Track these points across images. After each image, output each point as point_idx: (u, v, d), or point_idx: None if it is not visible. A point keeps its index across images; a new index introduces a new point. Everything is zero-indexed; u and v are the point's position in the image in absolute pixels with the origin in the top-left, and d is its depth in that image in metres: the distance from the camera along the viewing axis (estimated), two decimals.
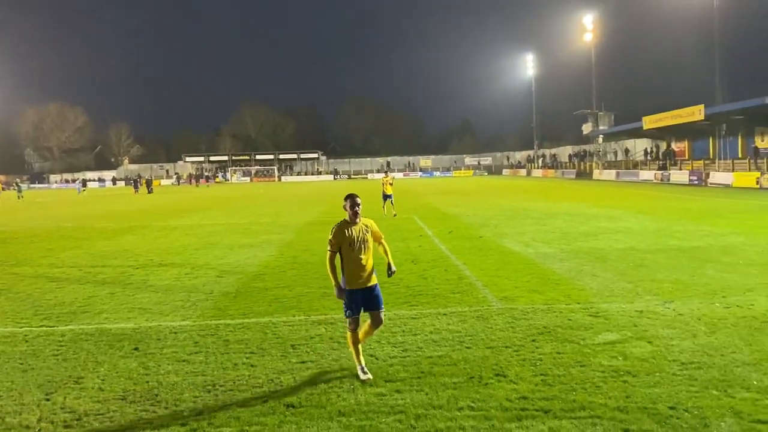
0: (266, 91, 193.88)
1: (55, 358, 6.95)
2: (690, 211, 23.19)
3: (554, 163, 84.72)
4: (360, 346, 6.15)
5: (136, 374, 6.32)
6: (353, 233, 6.08)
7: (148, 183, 62.65)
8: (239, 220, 24.67)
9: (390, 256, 6.44)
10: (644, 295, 9.15)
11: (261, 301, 9.49)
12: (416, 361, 6.40)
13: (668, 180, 49.26)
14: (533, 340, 7.02)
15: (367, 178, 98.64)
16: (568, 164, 78.62)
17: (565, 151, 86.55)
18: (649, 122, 52.08)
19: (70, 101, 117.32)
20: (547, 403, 5.22)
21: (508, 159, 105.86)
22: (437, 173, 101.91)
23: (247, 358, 6.72)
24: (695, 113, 44.62)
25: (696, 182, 45.15)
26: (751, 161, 42.78)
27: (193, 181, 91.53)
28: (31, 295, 10.51)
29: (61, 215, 31.04)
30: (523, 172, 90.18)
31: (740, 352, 6.40)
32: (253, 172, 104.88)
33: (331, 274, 6.11)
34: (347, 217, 6.19)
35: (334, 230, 6.11)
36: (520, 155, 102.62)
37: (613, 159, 69.31)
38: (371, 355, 6.65)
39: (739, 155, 46.69)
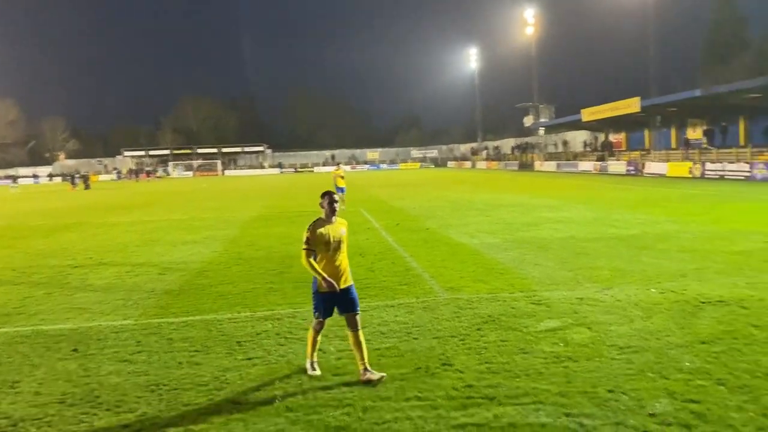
0: (208, 83, 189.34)
1: None
2: (627, 200, 24.01)
3: (497, 155, 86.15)
4: (317, 345, 6.04)
5: (76, 376, 6.13)
6: (329, 232, 5.84)
7: (85, 179, 60.39)
8: (181, 216, 24.15)
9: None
10: (584, 283, 9.43)
11: (205, 299, 9.33)
12: None
13: (606, 170, 50.79)
14: (478, 329, 7.15)
15: (313, 171, 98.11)
16: (510, 156, 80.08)
17: (507, 143, 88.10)
18: (587, 114, 53.53)
19: (0, 94, 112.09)
20: (492, 390, 5.33)
21: (452, 151, 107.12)
22: (384, 166, 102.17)
23: (191, 356, 6.60)
24: (631, 105, 46.10)
25: (633, 172, 46.72)
26: (684, 152, 44.56)
27: (133, 176, 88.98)
28: None
29: None
30: (468, 164, 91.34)
31: (674, 335, 6.68)
32: (195, 166, 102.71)
33: (313, 270, 5.77)
34: (323, 215, 5.95)
35: (309, 228, 5.83)
36: (464, 147, 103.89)
37: (554, 151, 70.97)
38: (319, 350, 6.62)
39: (673, 146, 48.56)
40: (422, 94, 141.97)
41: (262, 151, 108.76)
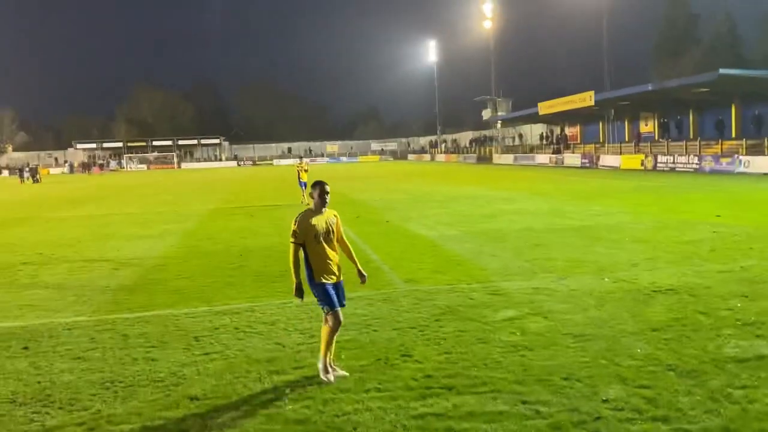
0: (163, 74, 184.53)
1: None
2: (582, 192, 24.52)
3: (456, 148, 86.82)
4: (333, 347, 5.59)
5: (27, 375, 5.96)
6: (319, 223, 5.56)
7: (33, 172, 58.37)
8: (136, 210, 23.66)
9: (357, 260, 5.99)
10: (540, 273, 9.61)
11: (161, 294, 9.17)
12: None
13: (562, 163, 51.76)
14: (437, 320, 7.22)
15: (272, 164, 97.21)
16: (469, 149, 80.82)
17: (465, 136, 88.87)
18: (543, 108, 54.40)
19: None
20: (450, 380, 5.39)
21: (408, 145, 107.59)
22: (344, 159, 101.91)
23: (147, 352, 6.49)
24: (586, 99, 47.03)
25: (587, 165, 47.70)
26: (637, 144, 45.71)
27: (85, 169, 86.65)
28: None
29: None
30: (428, 157, 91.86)
31: (626, 323, 6.86)
32: (150, 158, 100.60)
33: (293, 269, 5.48)
34: (312, 206, 5.68)
35: (297, 220, 5.54)
36: (424, 140, 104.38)
37: (511, 144, 71.91)
38: (278, 343, 6.60)
39: (626, 139, 49.74)
40: (381, 87, 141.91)
41: (219, 144, 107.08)
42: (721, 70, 33.90)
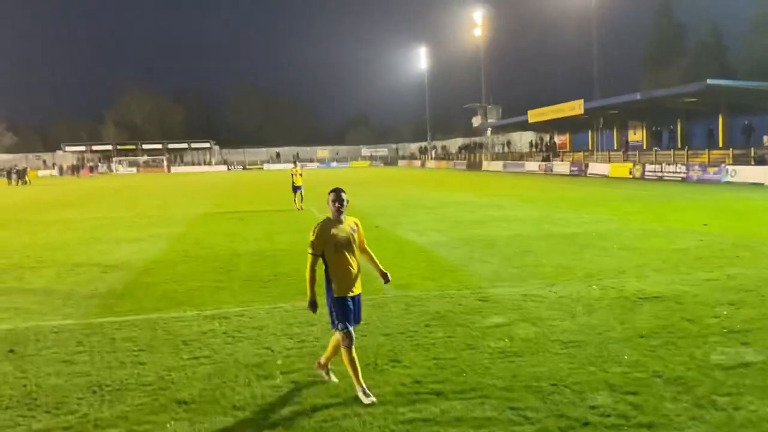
0: (153, 77, 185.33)
1: None
2: (571, 199, 24.65)
3: (446, 155, 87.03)
4: (358, 365, 5.25)
5: (12, 378, 5.91)
6: (339, 233, 5.29)
7: (20, 174, 57.76)
8: (125, 213, 23.53)
9: (378, 262, 5.68)
10: (529, 280, 9.65)
11: (150, 297, 9.13)
12: (313, 352, 6.40)
13: (551, 171, 51.99)
14: (426, 326, 7.24)
15: (263, 168, 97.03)
16: (459, 155, 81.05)
17: (455, 143, 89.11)
18: (533, 116, 54.64)
19: None
20: (439, 385, 5.40)
21: (397, 151, 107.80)
22: (334, 164, 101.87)
23: (135, 356, 6.46)
24: (575, 108, 47.30)
25: (577, 173, 47.96)
26: (625, 153, 46.04)
27: (74, 172, 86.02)
28: None
29: None
30: (418, 163, 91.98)
31: (613, 330, 6.91)
32: (140, 162, 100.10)
33: (308, 283, 5.26)
34: (331, 215, 5.40)
35: (316, 230, 5.27)
36: (414, 146, 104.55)
37: (501, 151, 72.19)
38: (267, 348, 6.59)
39: (615, 147, 50.06)
40: (372, 93, 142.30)
41: (209, 148, 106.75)
42: (709, 81, 34.23)
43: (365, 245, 5.60)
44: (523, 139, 68.26)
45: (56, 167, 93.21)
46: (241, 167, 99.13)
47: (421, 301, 8.44)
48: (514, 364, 5.89)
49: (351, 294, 5.28)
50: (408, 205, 23.33)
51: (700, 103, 39.38)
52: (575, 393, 5.18)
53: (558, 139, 60.33)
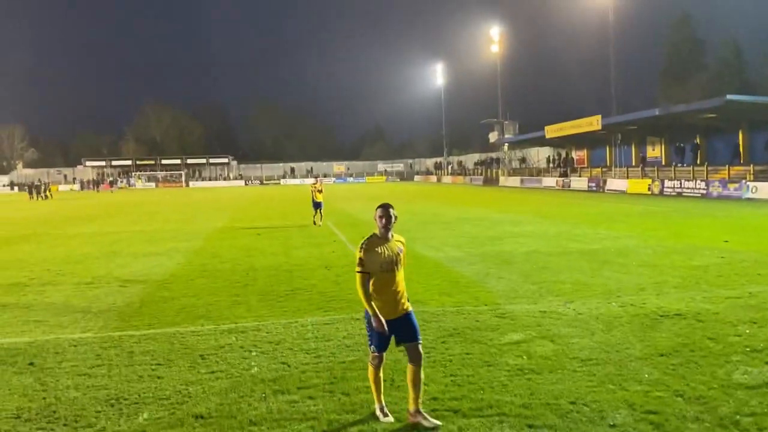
0: (173, 93, 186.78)
1: None
2: (589, 215, 24.47)
3: (462, 170, 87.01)
4: (382, 384, 5.20)
5: (32, 390, 5.96)
6: (385, 251, 5.02)
7: (38, 188, 58.35)
8: (144, 227, 23.76)
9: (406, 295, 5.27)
10: (547, 296, 9.57)
11: (167, 311, 9.18)
12: (329, 367, 6.40)
13: (569, 186, 51.72)
14: (443, 342, 7.19)
15: (280, 183, 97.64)
16: (475, 171, 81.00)
17: (472, 158, 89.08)
18: (550, 131, 54.52)
19: None
20: (456, 403, 5.36)
21: (411, 166, 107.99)
22: (350, 179, 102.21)
23: (153, 369, 6.49)
24: (593, 123, 47.14)
25: (594, 188, 47.65)
26: (643, 169, 45.69)
27: (93, 186, 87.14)
28: None
29: None
30: (434, 178, 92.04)
31: (633, 348, 6.82)
32: (159, 177, 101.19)
33: (366, 302, 4.97)
34: (377, 232, 5.14)
35: (363, 247, 5.02)
36: (430, 162, 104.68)
37: (518, 166, 72.04)
38: (283, 363, 6.58)
39: (633, 163, 49.73)
40: (389, 108, 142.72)
41: (227, 163, 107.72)
42: (728, 96, 33.96)
43: (402, 269, 5.23)
44: (540, 155, 68.07)
45: (77, 182, 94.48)
46: (259, 182, 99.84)
47: (438, 317, 8.39)
48: (532, 382, 5.83)
49: (394, 317, 5.00)
50: (424, 221, 23.30)
51: (719, 119, 39.03)
52: (594, 411, 5.11)
53: (575, 155, 60.09)
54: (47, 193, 58.43)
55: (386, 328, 4.92)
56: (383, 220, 5.07)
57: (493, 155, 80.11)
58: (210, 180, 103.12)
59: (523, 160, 71.00)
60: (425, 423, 4.91)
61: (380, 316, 4.91)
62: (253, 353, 6.95)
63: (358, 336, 7.53)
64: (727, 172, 36.86)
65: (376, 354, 5.06)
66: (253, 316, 8.69)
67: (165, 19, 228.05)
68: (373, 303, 4.96)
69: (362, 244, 5.06)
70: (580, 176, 53.45)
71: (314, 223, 22.06)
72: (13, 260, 15.19)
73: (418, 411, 4.99)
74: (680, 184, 38.65)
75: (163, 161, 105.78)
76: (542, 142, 62.24)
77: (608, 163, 53.18)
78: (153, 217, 29.86)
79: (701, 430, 4.70)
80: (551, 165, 63.11)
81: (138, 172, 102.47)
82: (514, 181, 63.69)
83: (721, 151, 40.47)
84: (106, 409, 5.44)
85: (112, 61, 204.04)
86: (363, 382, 5.94)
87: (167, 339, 7.64)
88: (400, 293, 5.08)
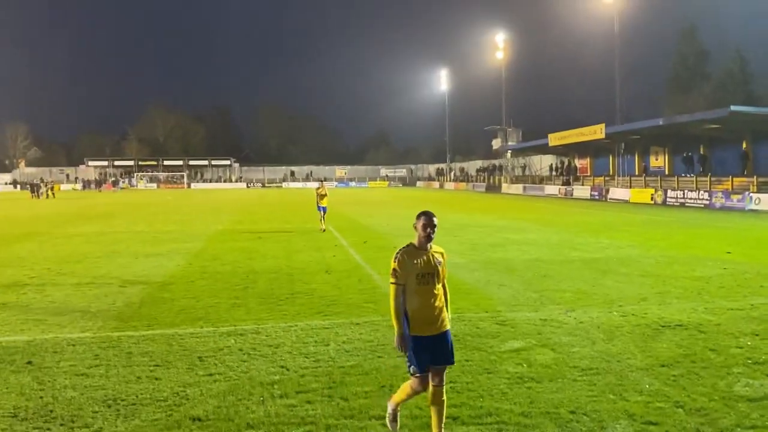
0: (177, 94, 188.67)
1: None
2: (591, 224, 24.42)
3: (465, 177, 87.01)
4: (411, 398, 4.92)
5: (29, 389, 5.93)
6: (423, 262, 4.63)
7: (37, 187, 58.14)
8: (145, 228, 23.76)
9: (449, 307, 4.87)
10: (548, 304, 9.53)
11: (167, 312, 9.16)
12: (328, 372, 6.37)
13: (572, 195, 51.67)
14: None
15: (281, 186, 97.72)
16: (478, 177, 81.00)
17: (474, 165, 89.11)
18: (554, 139, 54.51)
19: None
20: (455, 410, 5.32)
21: (412, 172, 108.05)
22: (353, 183, 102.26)
23: (151, 371, 6.46)
24: (597, 132, 47.12)
25: (597, 197, 47.59)
26: (646, 178, 45.63)
27: (94, 186, 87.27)
28: None
29: None
30: (437, 184, 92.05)
31: (634, 357, 6.78)
32: (161, 178, 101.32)
33: (395, 317, 4.58)
34: (415, 241, 4.74)
35: (398, 257, 4.63)
36: (432, 168, 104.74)
37: (521, 174, 72.01)
38: (282, 366, 6.55)
39: (636, 172, 49.68)
40: (392, 114, 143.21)
41: (229, 165, 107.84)
42: (732, 107, 33.95)
43: (445, 283, 4.85)
44: (543, 163, 68.05)
45: (79, 181, 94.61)
46: (260, 185, 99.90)
47: None
48: (532, 390, 5.79)
49: (430, 333, 4.60)
50: None
51: (723, 129, 38.98)
52: (594, 421, 5.08)
53: (578, 163, 60.04)
54: (50, 192, 58.41)
55: (409, 346, 4.57)
56: (428, 230, 4.65)
57: (496, 162, 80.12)
58: (211, 182, 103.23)
59: (524, 167, 70.99)
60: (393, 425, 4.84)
61: (406, 333, 4.56)
62: (252, 356, 6.92)
63: (358, 341, 7.50)
64: (730, 183, 36.81)
65: (418, 375, 4.58)
66: (253, 319, 8.66)
67: (172, 20, 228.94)
68: (402, 319, 4.57)
69: (397, 253, 4.66)
70: (582, 185, 53.39)
71: (320, 229, 21.28)
72: (14, 258, 15.19)
73: (394, 412, 4.85)
74: (683, 194, 38.59)
75: (165, 162, 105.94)
76: (545, 149, 62.22)
77: (611, 172, 53.13)
78: (154, 217, 29.87)
79: None
80: (554, 173, 63.08)
81: (140, 173, 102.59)
82: (517, 188, 63.66)
83: (729, 161, 40.30)
84: (103, 410, 5.41)
85: (118, 63, 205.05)
86: (362, 387, 5.91)
87: (166, 340, 7.61)
88: (439, 308, 4.67)
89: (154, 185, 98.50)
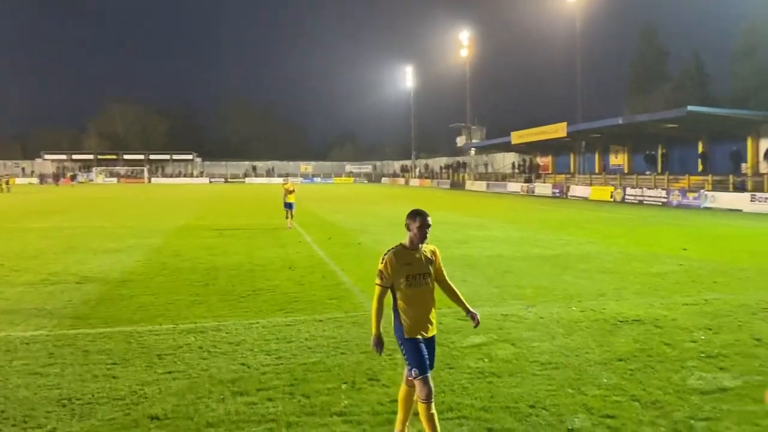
0: (137, 87, 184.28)
1: None
2: (552, 221, 24.80)
3: (430, 173, 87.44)
4: (411, 409, 4.71)
5: None
6: (414, 263, 4.52)
7: None
8: (104, 223, 23.24)
9: (464, 298, 5.01)
10: (509, 300, 9.64)
11: (125, 310, 8.97)
12: (290, 369, 6.32)
13: (533, 192, 52.37)
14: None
15: (244, 182, 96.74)
16: (443, 174, 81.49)
17: (439, 162, 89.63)
18: (516, 137, 55.14)
19: None
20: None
21: (377, 168, 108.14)
22: (318, 179, 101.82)
23: (108, 369, 6.32)
24: (558, 130, 47.82)
25: (558, 195, 48.35)
26: (607, 176, 46.53)
27: (51, 180, 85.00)
28: None
29: None
30: (401, 180, 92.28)
31: (592, 352, 6.91)
32: (121, 172, 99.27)
33: (374, 317, 4.51)
34: (406, 241, 4.61)
35: (386, 258, 4.47)
36: (397, 164, 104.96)
37: (484, 171, 72.68)
38: (243, 364, 6.48)
39: (596, 170, 50.62)
40: (358, 111, 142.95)
41: (191, 160, 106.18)
42: (689, 107, 34.79)
43: (445, 276, 4.84)
44: (506, 160, 68.79)
45: (35, 175, 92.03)
46: (223, 180, 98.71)
47: None
48: (492, 385, 5.85)
49: (423, 336, 4.54)
50: (391, 223, 23.31)
51: (681, 129, 39.97)
52: (553, 415, 5.15)
53: (540, 161, 60.88)
54: (5, 185, 56.72)
55: (383, 348, 4.53)
56: (423, 231, 4.56)
57: (461, 159, 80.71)
58: (173, 177, 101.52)
59: (485, 165, 71.68)
60: None
61: (381, 335, 4.50)
62: (213, 354, 6.83)
63: (320, 338, 7.47)
64: (687, 181, 37.77)
65: (420, 377, 4.37)
66: (214, 316, 8.55)
67: (132, 12, 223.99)
68: (379, 321, 4.51)
69: (385, 255, 4.50)
70: (544, 182, 54.16)
71: (288, 227, 20.63)
72: None
73: None
74: (642, 192, 39.47)
75: (126, 156, 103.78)
76: (508, 147, 62.89)
77: (572, 170, 54.02)
78: (113, 212, 29.25)
79: None
80: (516, 170, 63.84)
81: (99, 167, 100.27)
82: (480, 185, 64.24)
83: (689, 160, 41.25)
84: (57, 410, 5.28)
85: (76, 56, 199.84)
86: (324, 384, 5.88)
87: (124, 338, 7.46)
88: (432, 309, 4.64)
89: (114, 180, 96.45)
